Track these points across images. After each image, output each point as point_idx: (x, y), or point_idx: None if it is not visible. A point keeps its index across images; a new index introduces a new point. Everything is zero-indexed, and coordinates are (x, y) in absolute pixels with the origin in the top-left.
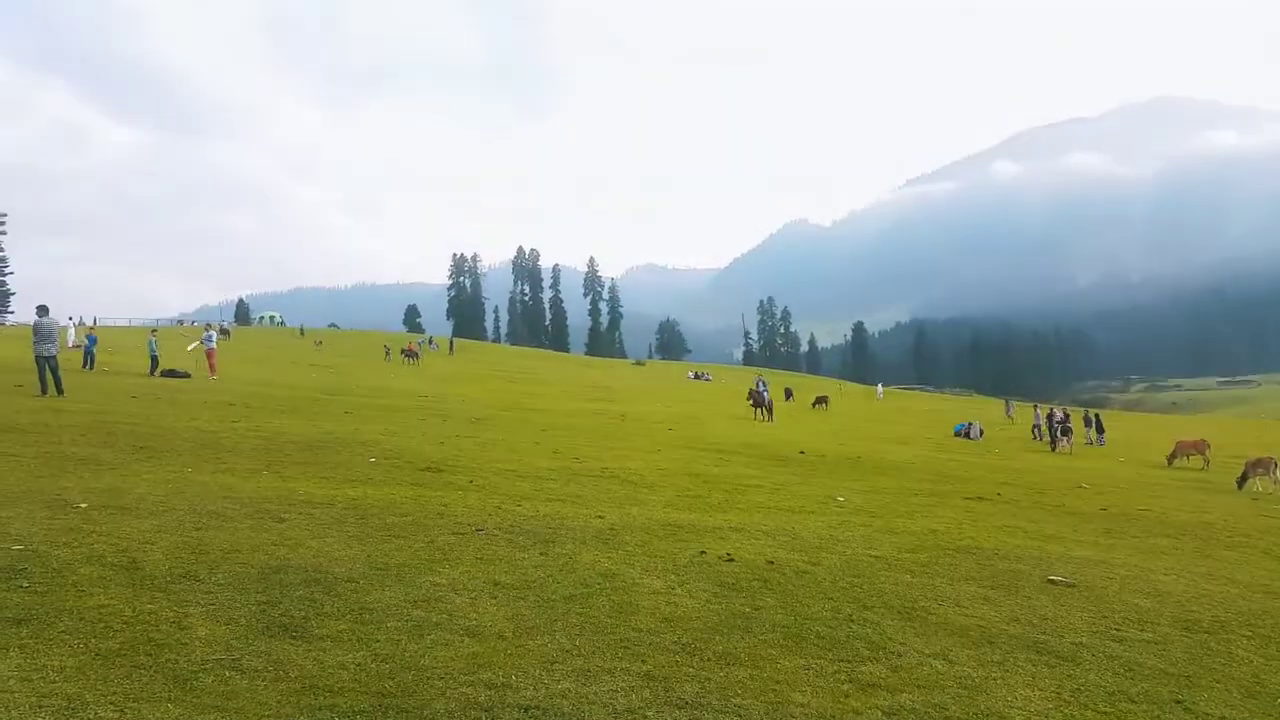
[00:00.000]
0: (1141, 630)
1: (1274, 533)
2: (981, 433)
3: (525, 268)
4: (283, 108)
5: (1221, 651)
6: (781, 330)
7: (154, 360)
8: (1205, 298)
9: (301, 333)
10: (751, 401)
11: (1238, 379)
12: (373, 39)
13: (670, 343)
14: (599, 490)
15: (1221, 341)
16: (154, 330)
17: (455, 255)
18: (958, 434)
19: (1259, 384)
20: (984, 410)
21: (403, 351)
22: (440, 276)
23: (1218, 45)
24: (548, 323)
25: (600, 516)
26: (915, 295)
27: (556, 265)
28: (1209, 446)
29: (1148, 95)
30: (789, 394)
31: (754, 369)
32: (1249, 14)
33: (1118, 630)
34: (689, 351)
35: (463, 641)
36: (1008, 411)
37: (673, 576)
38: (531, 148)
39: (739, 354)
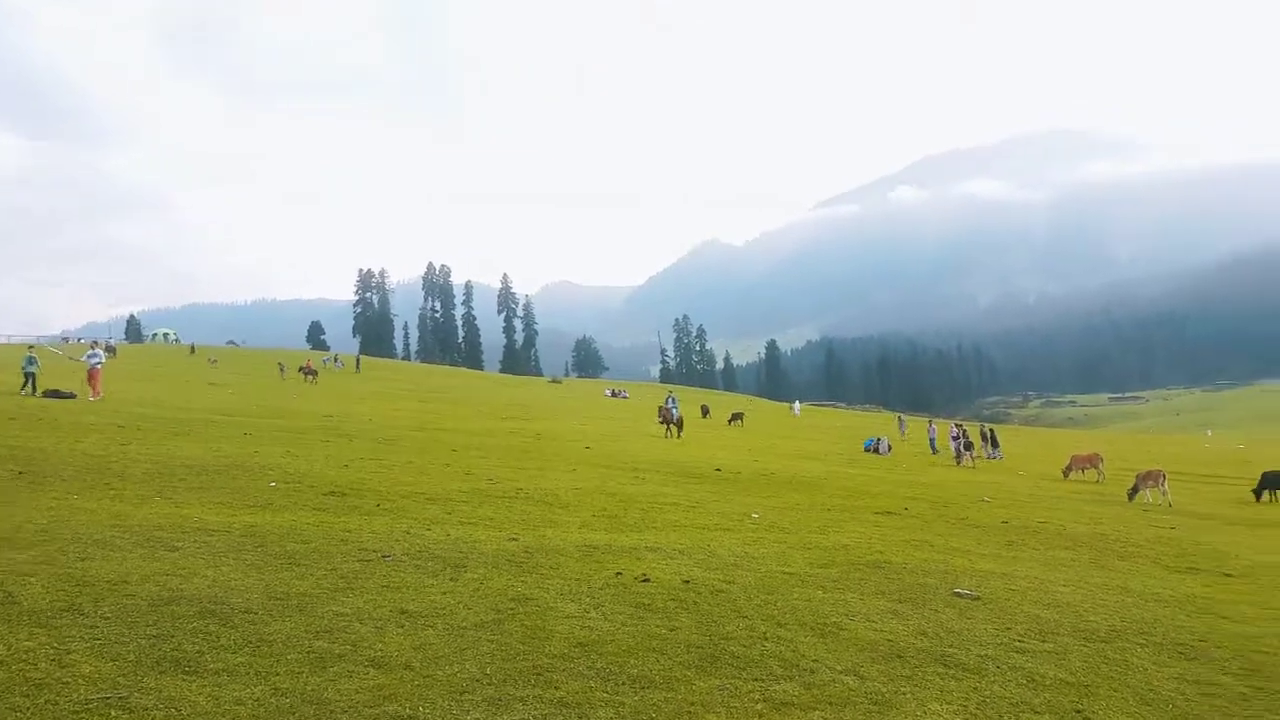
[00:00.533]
0: (1043, 641)
1: (1164, 542)
2: (890, 448)
3: (436, 284)
4: (180, 115)
5: (1118, 660)
6: (697, 348)
7: (28, 378)
8: (1096, 318)
9: (192, 351)
10: (661, 419)
11: (1128, 395)
12: (277, 47)
13: (587, 360)
14: (513, 512)
15: (1112, 360)
16: (31, 347)
17: (362, 270)
18: (867, 449)
19: (1147, 400)
20: (889, 426)
21: (300, 369)
22: (346, 292)
23: (1104, 79)
24: (460, 340)
25: (514, 539)
26: (826, 314)
27: (469, 282)
28: (1102, 460)
29: (1040, 126)
30: (705, 411)
31: (671, 386)
32: (1135, 50)
33: (1020, 642)
34: (606, 369)
35: (367, 673)
36: (900, 428)
37: (588, 599)
38: (444, 162)
39: (656, 371)
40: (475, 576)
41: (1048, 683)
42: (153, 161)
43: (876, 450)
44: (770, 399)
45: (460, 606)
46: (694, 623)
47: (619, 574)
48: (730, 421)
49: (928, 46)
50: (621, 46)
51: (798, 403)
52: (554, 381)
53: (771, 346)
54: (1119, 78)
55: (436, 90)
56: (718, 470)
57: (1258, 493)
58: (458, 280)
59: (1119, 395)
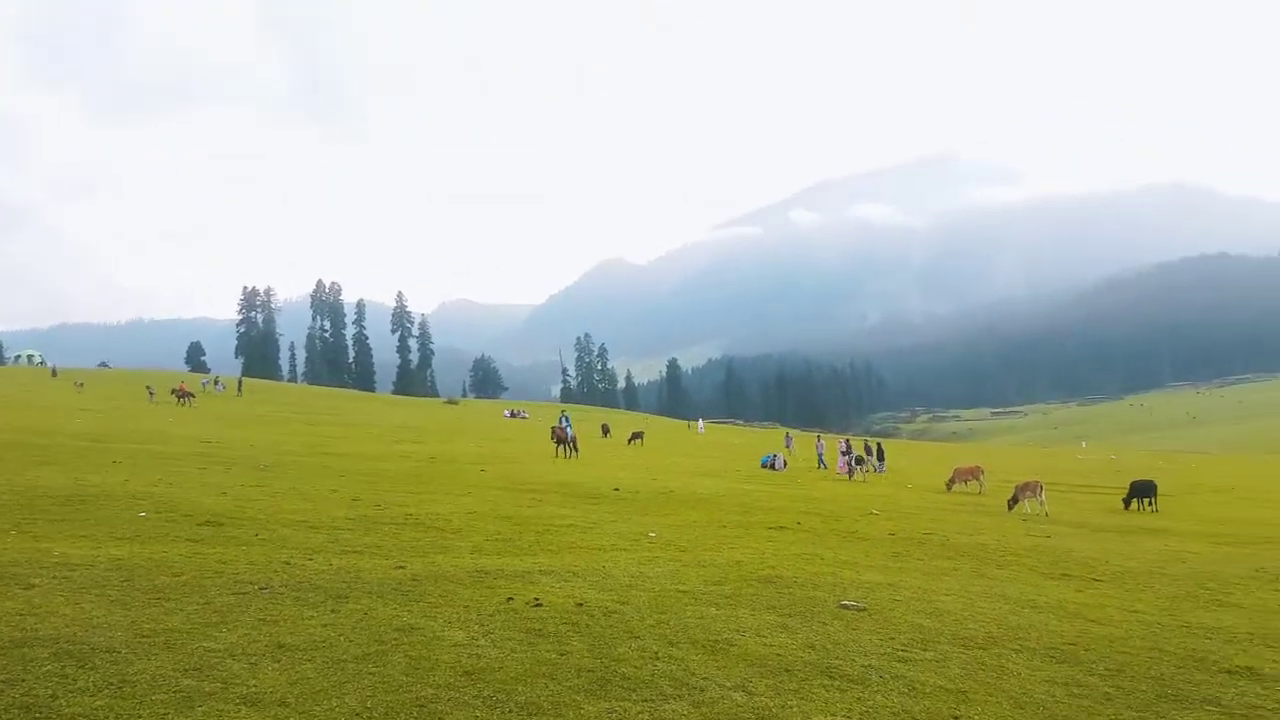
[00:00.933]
0: (924, 650)
1: (1040, 551)
2: (786, 464)
3: (326, 302)
4: (51, 124)
5: (994, 665)
6: (599, 367)
7: None
8: (978, 337)
9: (54, 373)
10: (554, 438)
11: (1008, 410)
12: (157, 54)
13: (486, 380)
14: (401, 538)
15: (993, 376)
16: None
17: (246, 288)
18: (764, 466)
19: (1026, 414)
20: (782, 443)
21: (173, 392)
22: (229, 311)
23: (984, 109)
24: (351, 361)
25: (401, 567)
26: (726, 333)
27: (361, 300)
28: (983, 472)
29: (926, 153)
30: (606, 430)
31: (568, 406)
32: (1012, 81)
33: (903, 651)
34: (505, 389)
35: (239, 711)
36: (787, 444)
37: (477, 627)
38: (335, 177)
39: (557, 391)
40: (358, 607)
41: (928, 690)
42: (16, 170)
43: (773, 466)
44: (672, 417)
45: (341, 638)
46: (586, 646)
47: (510, 599)
48: (630, 440)
49: (824, 75)
50: (524, 61)
51: (701, 421)
52: (450, 402)
53: (673, 365)
54: (998, 108)
55: (332, 104)
56: (616, 490)
57: (1127, 501)
58: (349, 298)
59: (1000, 410)
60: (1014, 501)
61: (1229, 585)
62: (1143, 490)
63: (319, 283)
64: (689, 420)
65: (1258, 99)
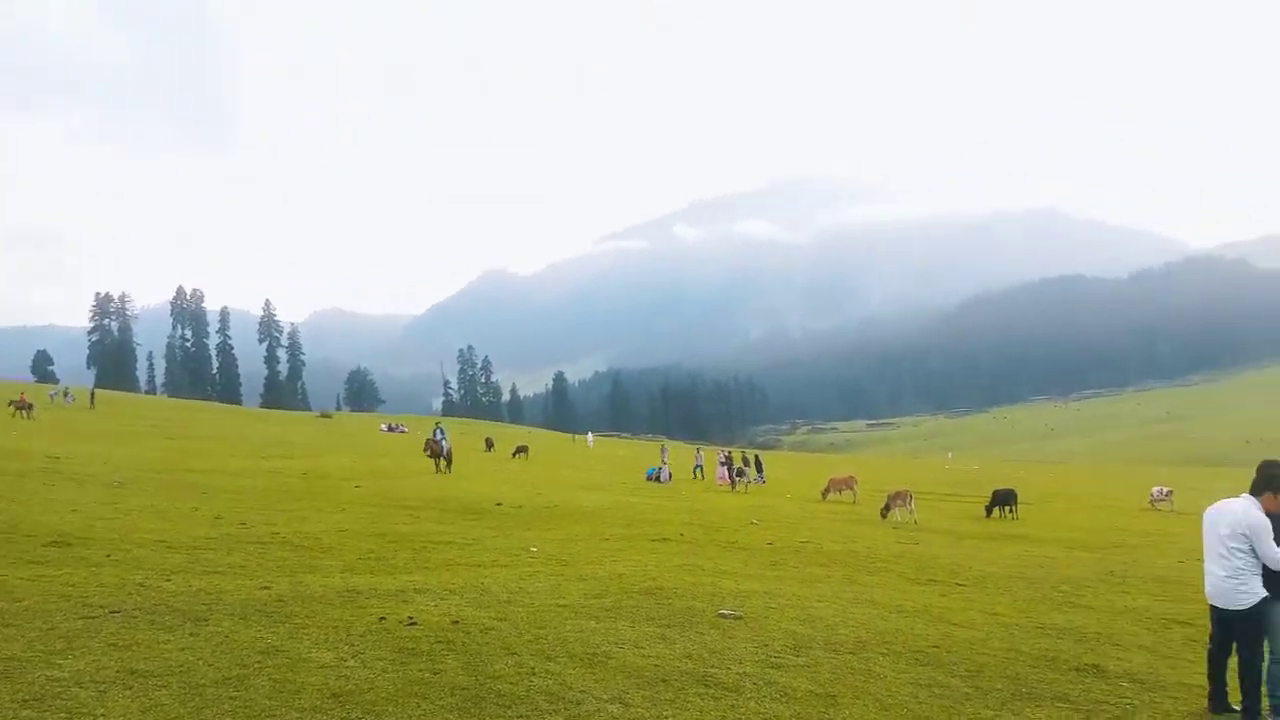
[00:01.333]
0: (797, 655)
1: (908, 557)
2: (670, 476)
3: (187, 310)
4: None
5: (862, 669)
6: (483, 379)
7: None
8: (854, 351)
9: None
10: (428, 452)
11: (882, 422)
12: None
13: (362, 393)
14: (267, 558)
15: (868, 390)
16: None
17: (99, 295)
18: (649, 478)
19: (898, 426)
20: (677, 455)
21: (11, 404)
22: (80, 319)
23: (860, 130)
24: (215, 372)
25: (266, 588)
26: (613, 345)
27: (225, 308)
28: (857, 482)
29: (805, 173)
30: (489, 444)
31: (455, 420)
32: (887, 103)
33: (777, 657)
34: (383, 402)
35: None
36: (662, 456)
37: (346, 647)
38: (198, 178)
39: (439, 404)
40: (219, 630)
41: (799, 695)
42: None
43: (658, 479)
44: (558, 430)
45: (200, 663)
46: (461, 664)
47: (383, 619)
48: (515, 454)
49: (707, 96)
50: (398, 72)
51: (590, 434)
52: (323, 416)
53: (559, 378)
54: (873, 129)
55: (195, 102)
56: (498, 505)
57: (989, 509)
58: (212, 306)
59: (874, 422)
60: (886, 510)
61: (1081, 588)
62: (1004, 498)
63: (179, 289)
64: (574, 433)
65: (1112, 133)
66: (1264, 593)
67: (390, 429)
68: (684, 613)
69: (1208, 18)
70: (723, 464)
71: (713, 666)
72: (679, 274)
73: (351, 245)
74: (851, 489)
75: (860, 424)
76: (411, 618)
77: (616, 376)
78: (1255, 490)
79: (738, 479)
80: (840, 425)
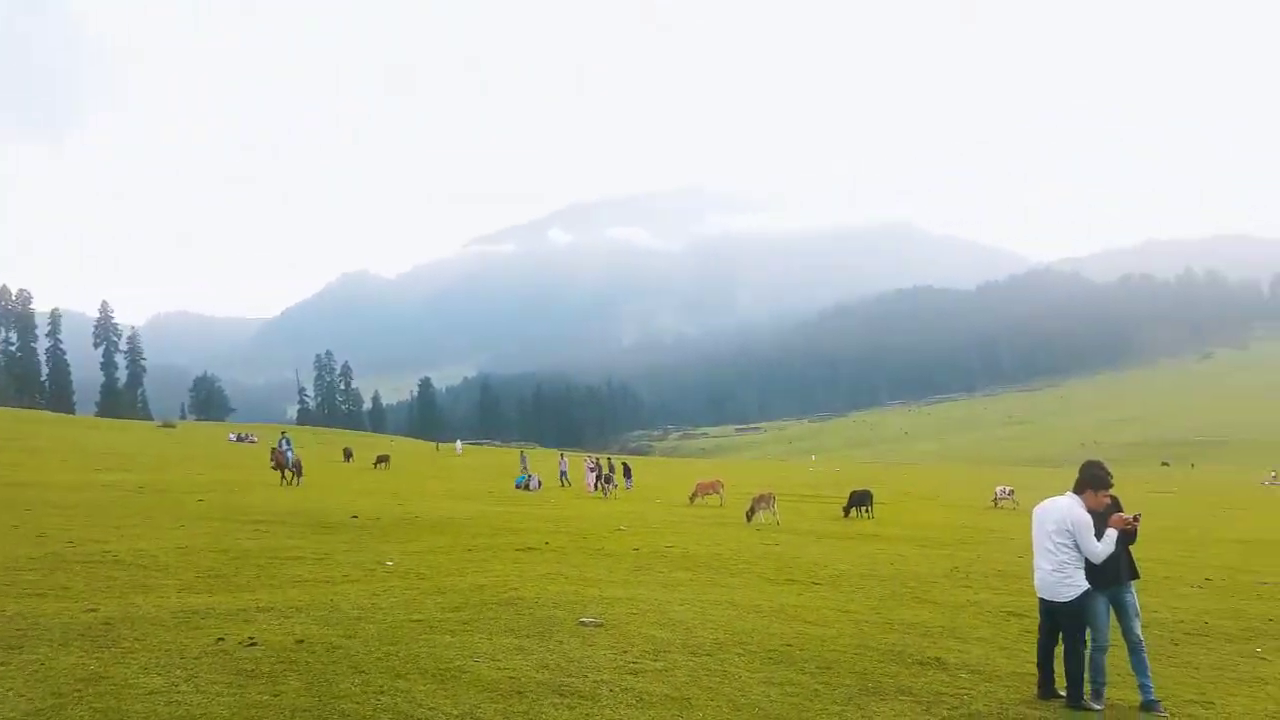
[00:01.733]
0: (655, 660)
1: (769, 558)
2: (540, 484)
3: (13, 312)
4: None
5: (718, 670)
6: (342, 386)
7: None
8: (725, 357)
9: None
10: (273, 463)
11: (750, 426)
12: None
13: (209, 401)
14: (95, 578)
15: (737, 395)
16: None
17: None
18: (519, 486)
19: (765, 430)
20: (543, 462)
21: None
22: None
23: (731, 143)
24: (44, 378)
25: (92, 610)
26: (483, 351)
27: (56, 310)
28: (723, 485)
29: (679, 183)
30: (348, 454)
31: (312, 429)
32: (760, 118)
33: (635, 663)
34: (233, 410)
35: None
36: (522, 463)
37: (178, 672)
38: (25, 170)
39: (294, 412)
40: (34, 657)
41: (655, 700)
42: None
43: (527, 487)
44: (424, 439)
45: (10, 694)
46: (303, 685)
47: (221, 640)
48: (376, 464)
49: (572, 97)
50: (250, 71)
51: (459, 442)
52: (166, 426)
53: (425, 384)
54: (743, 142)
55: (23, 84)
56: (354, 517)
57: (846, 509)
58: (41, 308)
59: (743, 427)
60: (751, 513)
61: (928, 584)
62: (860, 499)
63: (3, 289)
64: (439, 441)
65: (968, 154)
66: (1086, 585)
67: (240, 439)
68: (544, 622)
69: (1049, 43)
70: (591, 470)
71: (570, 675)
72: (551, 278)
73: (200, 245)
74: (718, 493)
75: (730, 429)
76: (252, 638)
77: (486, 382)
78: (1078, 489)
79: (606, 485)
80: (711, 430)
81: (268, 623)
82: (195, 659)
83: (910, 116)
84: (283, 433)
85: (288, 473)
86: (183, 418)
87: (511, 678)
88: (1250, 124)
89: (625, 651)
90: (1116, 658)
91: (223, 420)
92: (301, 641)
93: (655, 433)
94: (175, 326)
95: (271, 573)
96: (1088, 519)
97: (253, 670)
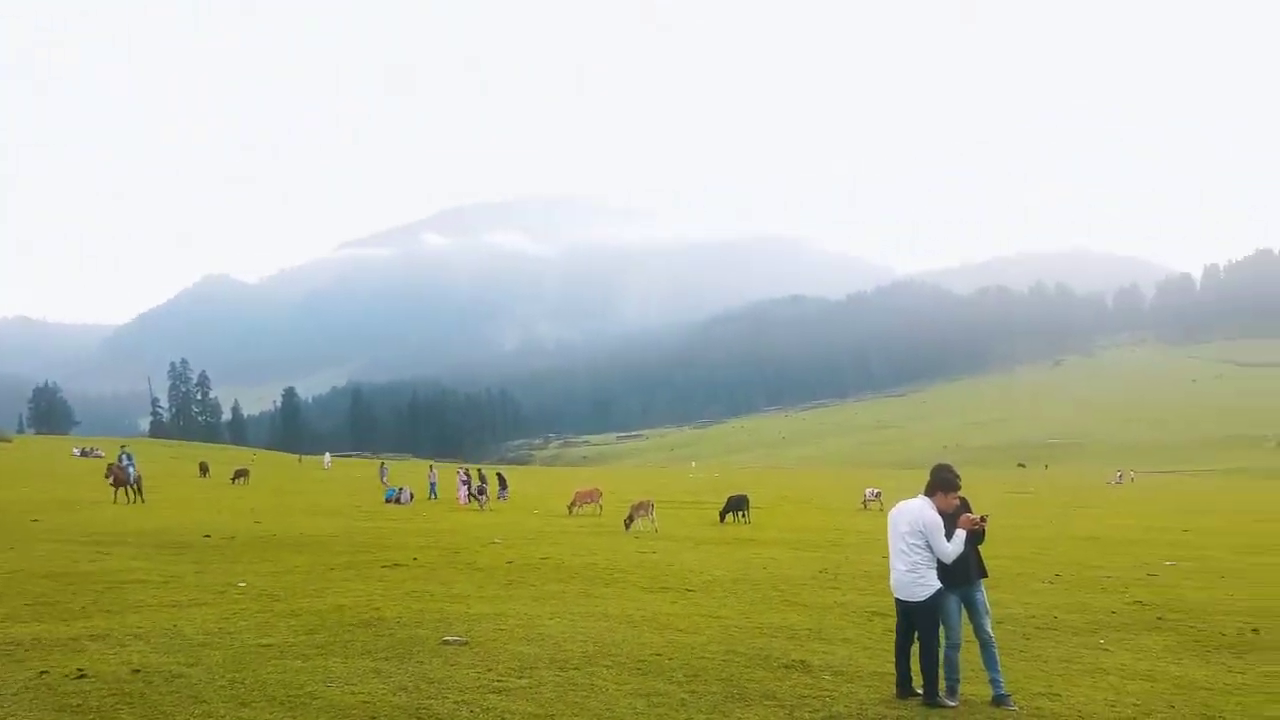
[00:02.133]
0: (520, 677)
1: (645, 566)
2: (412, 497)
3: None
4: None
5: (585, 684)
6: (198, 397)
7: None
8: (607, 364)
9: None
10: (110, 479)
11: (632, 434)
12: None
13: (51, 413)
14: None
15: (620, 402)
16: None
17: None
18: (389, 500)
19: (647, 437)
20: (414, 474)
21: None
22: None
23: (611, 150)
24: None
25: None
26: (354, 358)
27: None
28: (602, 494)
29: (556, 189)
30: (204, 469)
31: (165, 442)
32: (640, 125)
33: (500, 681)
34: (77, 423)
35: None
36: (381, 475)
37: None
38: None
39: (146, 424)
40: None
41: (518, 718)
42: None
43: (398, 501)
44: (288, 451)
45: None
46: (136, 718)
47: (44, 673)
48: (234, 480)
49: (446, 101)
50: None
51: (328, 454)
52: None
53: (289, 394)
54: (625, 149)
55: None
56: (206, 536)
57: (723, 514)
58: None
59: (625, 434)
60: (630, 521)
61: (798, 587)
62: (736, 504)
63: None
64: (303, 454)
65: (842, 171)
66: (939, 585)
67: (84, 453)
68: (405, 643)
69: (926, 62)
70: (463, 483)
71: (430, 698)
72: (427, 282)
73: (40, 246)
74: (596, 501)
75: (612, 436)
76: (81, 669)
77: (358, 391)
78: (929, 491)
79: (479, 497)
80: (593, 438)
81: (100, 652)
82: (13, 695)
83: (784, 135)
84: (123, 447)
85: (129, 490)
86: (20, 431)
87: (365, 702)
88: (1108, 145)
89: (490, 670)
90: (970, 654)
91: (66, 434)
92: (138, 671)
93: (536, 441)
94: (14, 334)
95: (110, 598)
96: (938, 520)
97: (79, 705)
